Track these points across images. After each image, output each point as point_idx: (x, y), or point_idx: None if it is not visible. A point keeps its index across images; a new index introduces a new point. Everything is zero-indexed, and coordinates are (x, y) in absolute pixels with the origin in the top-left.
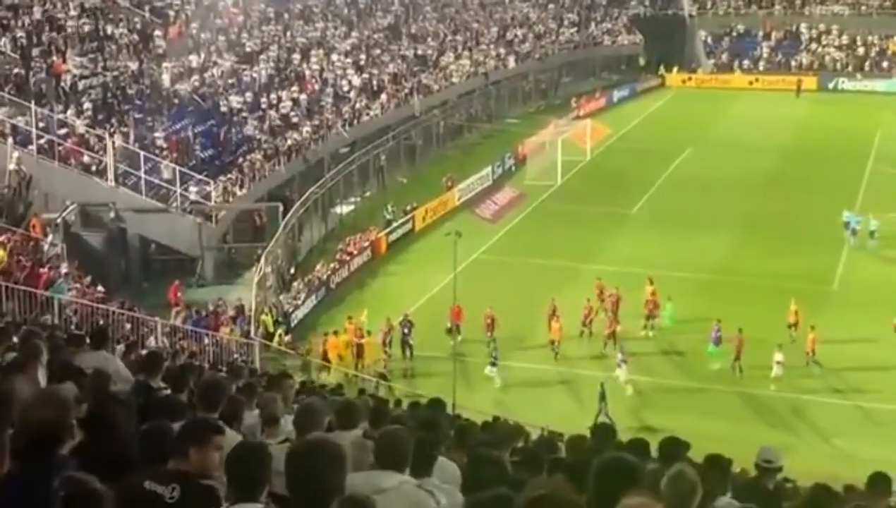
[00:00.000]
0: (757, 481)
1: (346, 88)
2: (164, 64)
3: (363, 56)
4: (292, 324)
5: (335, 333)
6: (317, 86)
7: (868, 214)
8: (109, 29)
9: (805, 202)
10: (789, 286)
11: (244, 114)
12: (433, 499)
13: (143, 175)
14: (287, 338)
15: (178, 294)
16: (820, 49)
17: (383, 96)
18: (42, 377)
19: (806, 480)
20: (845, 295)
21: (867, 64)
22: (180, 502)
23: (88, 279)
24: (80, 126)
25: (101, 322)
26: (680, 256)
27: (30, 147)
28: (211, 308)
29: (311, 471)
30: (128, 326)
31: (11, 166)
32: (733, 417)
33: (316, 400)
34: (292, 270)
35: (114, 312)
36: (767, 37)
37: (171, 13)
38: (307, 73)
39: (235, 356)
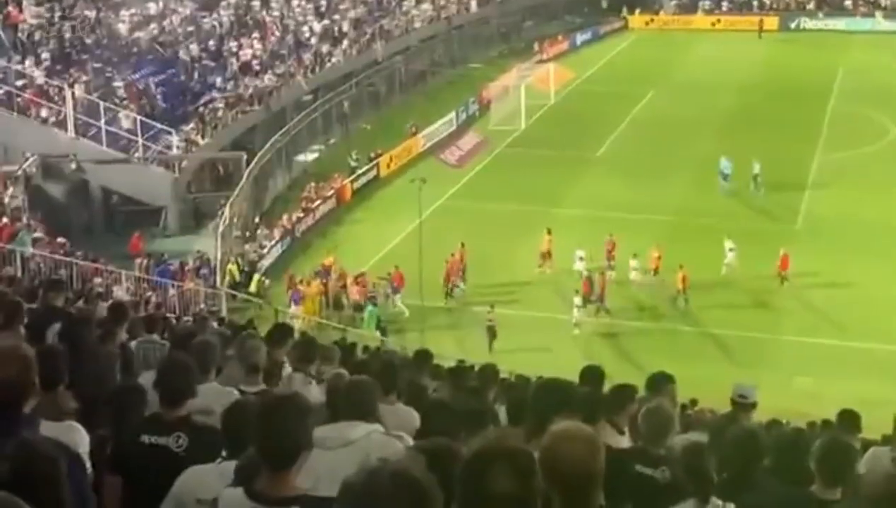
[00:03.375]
0: (732, 417)
1: (307, 35)
2: (122, 12)
3: (323, 2)
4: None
5: (301, 281)
6: (278, 33)
7: (752, 158)
8: None
9: (768, 142)
10: (753, 226)
11: (205, 62)
12: (402, 444)
13: (103, 125)
14: (266, 282)
15: (140, 246)
16: None
17: (345, 42)
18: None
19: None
20: (810, 233)
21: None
22: (189, 450)
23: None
24: (39, 77)
25: (64, 273)
26: (645, 198)
27: None
28: (178, 262)
29: (279, 425)
30: (98, 280)
31: None
32: (697, 358)
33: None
34: (257, 219)
35: (77, 264)
36: None
37: None
38: (268, 19)
39: (202, 306)
